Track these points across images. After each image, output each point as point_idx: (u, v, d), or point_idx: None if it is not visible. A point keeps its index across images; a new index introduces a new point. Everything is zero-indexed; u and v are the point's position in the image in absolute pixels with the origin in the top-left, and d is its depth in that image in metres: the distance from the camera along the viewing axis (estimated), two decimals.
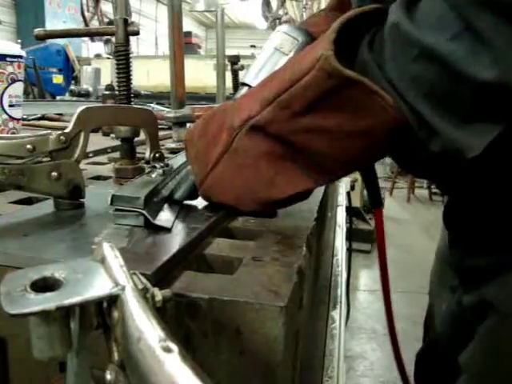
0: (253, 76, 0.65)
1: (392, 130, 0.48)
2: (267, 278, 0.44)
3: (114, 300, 0.30)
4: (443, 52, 0.42)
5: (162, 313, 0.33)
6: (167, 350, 0.25)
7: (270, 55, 0.65)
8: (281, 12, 7.40)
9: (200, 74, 5.30)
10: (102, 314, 0.32)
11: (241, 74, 1.56)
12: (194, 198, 0.64)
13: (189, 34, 12.31)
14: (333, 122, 0.49)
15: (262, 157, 0.54)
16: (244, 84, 0.66)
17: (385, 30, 0.48)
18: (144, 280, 0.33)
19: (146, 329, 0.27)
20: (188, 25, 17.85)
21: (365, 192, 4.53)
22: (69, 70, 5.92)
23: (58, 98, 4.74)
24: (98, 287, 0.30)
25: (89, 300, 0.29)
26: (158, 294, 0.33)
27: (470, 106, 0.44)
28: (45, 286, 0.30)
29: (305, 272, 0.50)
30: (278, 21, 7.38)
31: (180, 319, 0.41)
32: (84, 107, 0.63)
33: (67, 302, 0.28)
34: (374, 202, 0.84)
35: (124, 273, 0.32)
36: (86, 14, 8.68)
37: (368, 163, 0.64)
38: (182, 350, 0.25)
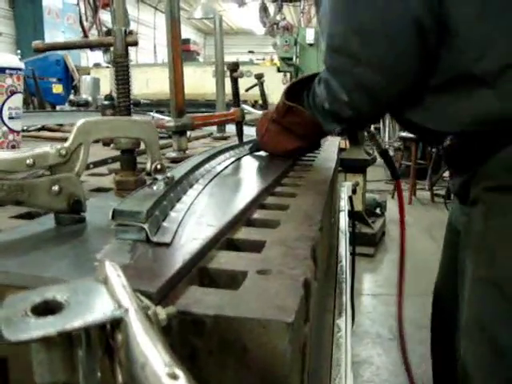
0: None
1: (316, 124, 1.12)
2: (273, 293, 0.43)
3: (117, 323, 0.29)
4: (319, 96, 1.06)
5: (167, 330, 0.32)
6: (173, 376, 0.24)
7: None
8: (278, 17, 7.41)
9: (199, 81, 5.31)
10: (106, 336, 0.31)
11: (240, 81, 1.57)
12: (258, 150, 1.31)
13: (187, 41, 12.31)
14: (294, 119, 1.17)
15: (277, 132, 1.22)
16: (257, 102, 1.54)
17: (311, 88, 1.12)
18: (145, 299, 0.32)
19: (151, 353, 0.26)
20: (186, 32, 17.90)
21: (367, 195, 4.52)
22: (68, 80, 5.94)
23: (57, 107, 4.74)
24: (101, 310, 0.29)
25: (91, 324, 0.28)
26: (162, 313, 0.32)
27: (325, 116, 1.07)
28: (46, 309, 0.29)
29: (311, 284, 0.49)
30: (275, 26, 7.39)
31: (185, 337, 0.40)
32: (84, 120, 0.62)
33: (69, 326, 0.27)
34: (394, 175, 1.47)
35: (127, 294, 0.31)
36: (85, 23, 8.70)
37: (316, 137, 1.27)
38: (188, 375, 0.24)
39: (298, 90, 1.17)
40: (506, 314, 0.86)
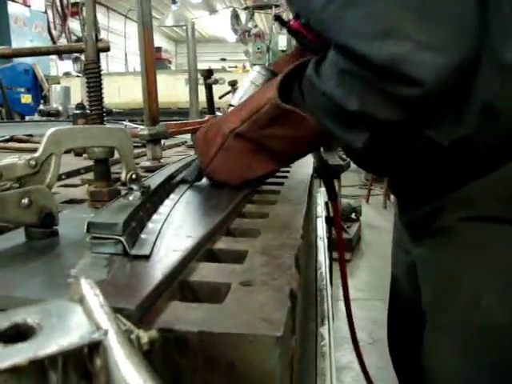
0: (237, 100, 0.98)
1: (315, 136, 0.84)
2: (258, 306, 0.41)
3: (96, 346, 0.27)
4: (331, 94, 0.72)
5: (150, 356, 0.30)
6: None
7: (247, 87, 1.00)
8: (250, 25, 7.43)
9: (171, 89, 5.27)
10: (83, 360, 0.29)
11: (215, 87, 1.56)
12: (200, 179, 0.92)
13: (159, 49, 12.25)
14: (283, 132, 0.83)
15: (243, 152, 0.86)
16: (231, 105, 1.00)
17: (304, 78, 0.79)
18: (126, 321, 0.30)
19: (134, 379, 0.24)
20: (157, 40, 17.82)
21: (342, 200, 4.54)
22: (37, 90, 5.83)
23: (27, 118, 4.65)
24: (78, 332, 0.27)
25: (67, 349, 0.26)
26: (144, 336, 0.30)
27: (347, 121, 0.74)
28: (16, 334, 0.27)
29: (297, 295, 0.47)
30: (247, 33, 7.40)
31: (168, 356, 0.38)
32: (55, 129, 0.60)
33: (42, 353, 0.25)
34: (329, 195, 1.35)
35: (106, 314, 0.29)
36: (54, 32, 8.56)
37: (304, 155, 0.96)
38: None
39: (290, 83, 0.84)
40: None
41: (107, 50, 0.76)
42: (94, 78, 0.79)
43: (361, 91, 0.69)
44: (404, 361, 1.14)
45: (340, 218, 1.14)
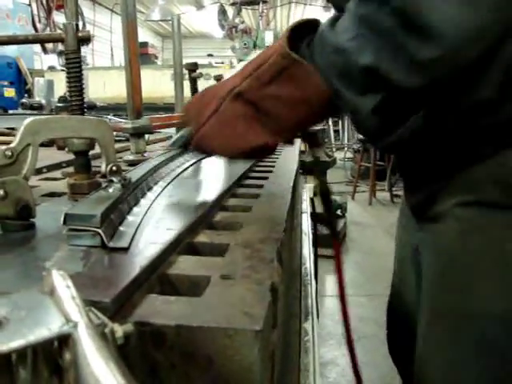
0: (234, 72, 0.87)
1: (321, 100, 0.72)
2: (238, 299, 0.40)
3: (65, 339, 0.26)
4: (344, 47, 0.64)
5: (125, 350, 0.29)
6: None
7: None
8: (237, 20, 7.39)
9: (157, 84, 5.22)
10: (54, 355, 0.28)
11: (200, 84, 1.56)
12: (187, 147, 0.85)
13: (145, 44, 12.12)
14: (286, 91, 0.73)
15: (239, 117, 0.75)
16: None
17: (316, 35, 0.71)
18: (101, 315, 0.29)
19: (103, 375, 0.23)
20: (144, 35, 17.65)
21: None
22: (21, 83, 5.75)
23: (10, 112, 4.57)
24: (46, 325, 0.26)
25: (34, 343, 0.25)
26: (119, 330, 0.29)
27: (359, 81, 0.65)
28: None
29: (278, 288, 0.46)
30: (234, 29, 7.37)
31: (144, 350, 0.37)
32: (32, 119, 0.58)
33: (6, 348, 0.24)
34: (333, 234, 1.06)
35: (77, 306, 0.28)
36: (38, 25, 8.43)
37: (308, 126, 0.84)
38: None
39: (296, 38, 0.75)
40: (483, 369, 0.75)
41: (88, 39, 0.74)
42: (74, 68, 0.77)
43: (378, 45, 0.61)
44: (403, 348, 1.07)
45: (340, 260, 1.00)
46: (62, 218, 0.51)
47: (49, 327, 0.26)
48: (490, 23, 0.57)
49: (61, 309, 0.28)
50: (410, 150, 0.80)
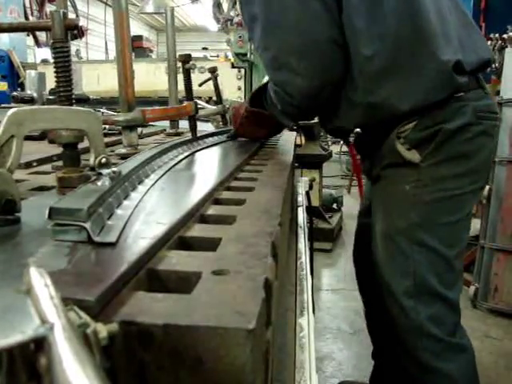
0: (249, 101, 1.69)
1: (272, 119, 1.53)
2: (230, 296, 0.38)
3: (40, 342, 0.24)
4: (272, 102, 1.44)
5: (111, 351, 0.27)
6: None
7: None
8: (232, 13, 7.33)
9: (152, 77, 5.18)
10: (32, 358, 0.26)
11: (194, 78, 1.70)
12: (235, 138, 1.70)
13: (139, 37, 12.01)
14: (260, 117, 1.60)
15: (250, 124, 1.64)
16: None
17: (267, 95, 1.49)
18: (83, 314, 0.27)
19: (79, 382, 0.21)
20: (139, 28, 17.53)
21: (323, 191, 4.54)
22: (14, 77, 5.69)
23: (2, 105, 4.53)
24: (20, 328, 0.24)
25: (7, 347, 0.23)
26: (103, 330, 0.27)
27: (281, 113, 1.45)
28: None
29: (272, 284, 0.45)
30: (229, 22, 7.30)
31: (131, 351, 0.35)
32: (16, 109, 0.56)
33: None
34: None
35: (54, 306, 0.26)
36: (31, 17, 8.35)
37: (278, 132, 1.80)
38: None
39: (259, 95, 1.57)
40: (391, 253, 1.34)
41: (75, 27, 0.72)
42: (61, 57, 0.75)
43: (278, 101, 1.37)
44: (362, 258, 1.77)
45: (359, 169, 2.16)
46: (47, 212, 0.49)
47: (22, 330, 0.24)
48: (315, 84, 1.26)
49: (37, 309, 0.26)
50: (346, 137, 1.79)
